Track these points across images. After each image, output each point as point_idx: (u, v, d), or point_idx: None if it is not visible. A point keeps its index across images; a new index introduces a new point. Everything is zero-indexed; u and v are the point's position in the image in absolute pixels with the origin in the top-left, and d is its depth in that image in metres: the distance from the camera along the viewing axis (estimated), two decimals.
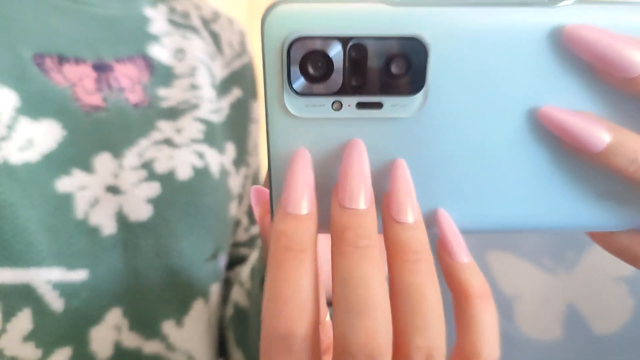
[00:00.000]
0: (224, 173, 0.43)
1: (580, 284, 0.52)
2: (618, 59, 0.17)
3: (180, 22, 0.46)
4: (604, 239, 0.22)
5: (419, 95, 0.18)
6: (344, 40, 0.17)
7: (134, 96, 0.39)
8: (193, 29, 0.47)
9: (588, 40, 0.17)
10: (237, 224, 0.50)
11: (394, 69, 0.18)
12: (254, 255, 0.45)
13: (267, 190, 0.21)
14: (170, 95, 0.42)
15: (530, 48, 0.18)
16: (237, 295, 0.44)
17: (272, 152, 0.19)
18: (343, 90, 0.18)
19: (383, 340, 0.17)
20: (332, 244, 0.18)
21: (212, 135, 0.43)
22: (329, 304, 0.27)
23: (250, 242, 0.51)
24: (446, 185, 0.20)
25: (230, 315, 0.45)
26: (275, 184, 0.20)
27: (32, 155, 0.32)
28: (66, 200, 0.34)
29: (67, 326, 0.34)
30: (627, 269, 0.51)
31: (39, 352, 0.32)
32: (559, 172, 0.20)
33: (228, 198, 0.44)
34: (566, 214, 0.21)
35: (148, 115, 0.39)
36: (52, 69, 0.35)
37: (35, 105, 0.33)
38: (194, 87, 0.43)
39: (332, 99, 0.18)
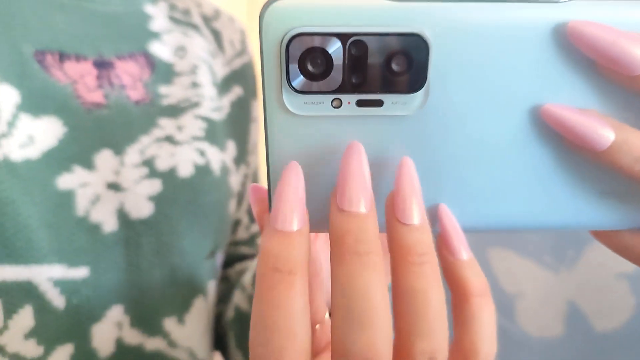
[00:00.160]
0: (225, 171, 0.43)
1: (581, 281, 0.52)
2: (622, 55, 0.17)
3: (181, 20, 0.46)
4: (607, 238, 0.22)
5: (420, 93, 0.18)
6: (344, 37, 0.17)
7: (135, 93, 0.39)
8: (194, 26, 0.47)
9: (591, 37, 0.17)
10: (237, 222, 0.50)
11: (394, 66, 0.18)
12: (255, 262, 0.45)
13: (265, 189, 0.21)
14: (171, 93, 0.42)
15: (533, 45, 0.18)
16: (239, 299, 0.44)
17: (270, 150, 0.19)
18: (343, 88, 0.18)
19: (383, 349, 0.17)
20: (331, 250, 0.18)
21: (213, 133, 0.43)
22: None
23: (250, 241, 0.51)
24: (447, 184, 0.20)
25: (231, 318, 0.45)
26: (273, 182, 0.19)
27: (33, 152, 0.32)
28: (67, 197, 0.34)
29: (69, 323, 0.34)
30: (629, 266, 0.51)
31: (40, 349, 0.32)
32: (562, 170, 0.20)
33: (228, 196, 0.44)
34: (569, 212, 0.21)
35: (149, 113, 0.39)
36: (53, 65, 0.35)
37: (36, 102, 0.33)
38: (195, 84, 0.43)
39: (331, 96, 0.18)
